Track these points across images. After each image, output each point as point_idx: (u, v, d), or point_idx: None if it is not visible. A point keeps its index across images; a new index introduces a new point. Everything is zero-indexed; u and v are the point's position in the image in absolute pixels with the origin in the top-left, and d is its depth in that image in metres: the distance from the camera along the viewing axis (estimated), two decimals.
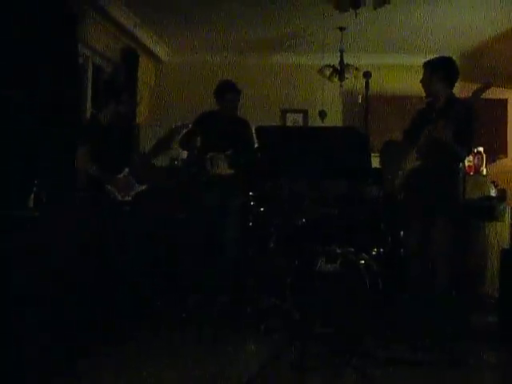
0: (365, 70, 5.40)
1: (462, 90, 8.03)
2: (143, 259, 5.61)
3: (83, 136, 5.69)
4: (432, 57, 5.42)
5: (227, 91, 6.51)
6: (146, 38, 9.05)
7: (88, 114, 7.71)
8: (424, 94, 5.45)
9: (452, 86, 5.36)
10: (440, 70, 5.28)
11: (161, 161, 7.42)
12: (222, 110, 6.57)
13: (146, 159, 6.28)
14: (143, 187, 5.73)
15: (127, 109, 5.89)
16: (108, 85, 6.80)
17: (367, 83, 5.29)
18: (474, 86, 9.17)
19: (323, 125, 8.92)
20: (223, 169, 6.36)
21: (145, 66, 9.47)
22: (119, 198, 5.55)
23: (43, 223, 4.45)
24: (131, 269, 5.44)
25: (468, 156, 6.13)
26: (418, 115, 5.54)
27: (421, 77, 5.40)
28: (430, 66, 5.35)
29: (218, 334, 5.05)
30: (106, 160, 5.52)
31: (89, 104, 7.84)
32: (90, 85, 7.94)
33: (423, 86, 5.40)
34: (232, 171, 6.32)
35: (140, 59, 8.98)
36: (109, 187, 5.50)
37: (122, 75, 8.30)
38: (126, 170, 5.67)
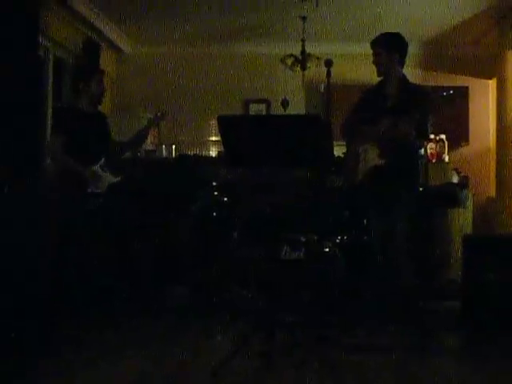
0: (326, 58, 5.38)
1: (424, 78, 8.12)
2: (112, 250, 5.57)
3: (58, 125, 5.66)
4: None
5: None
6: (107, 29, 8.97)
7: (49, 107, 7.66)
8: None
9: (404, 63, 5.33)
10: (393, 49, 5.22)
11: None
12: None
13: (124, 149, 6.25)
14: (117, 179, 5.70)
15: (99, 90, 5.84)
16: (76, 70, 6.74)
17: (328, 72, 5.27)
18: (437, 75, 9.31)
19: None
20: None
21: (107, 58, 9.39)
22: (91, 189, 5.52)
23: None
24: (97, 261, 5.41)
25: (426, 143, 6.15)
26: (368, 95, 5.51)
27: None
28: (381, 44, 5.26)
29: (184, 323, 5.06)
30: (82, 149, 5.51)
31: (50, 96, 7.79)
32: (51, 77, 7.87)
33: (376, 65, 5.31)
34: None
35: (102, 50, 8.92)
36: (82, 178, 5.47)
37: (86, 63, 8.25)
38: (103, 160, 5.64)
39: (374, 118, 5.09)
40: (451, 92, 5.48)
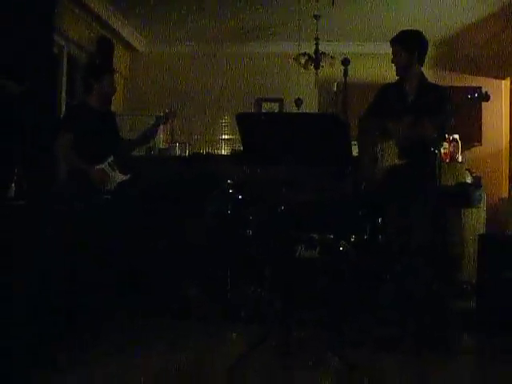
0: (343, 57, 5.35)
1: (438, 78, 8.09)
2: (123, 249, 5.57)
3: (68, 123, 5.66)
4: None
5: None
6: (121, 27, 9.00)
7: (63, 104, 7.68)
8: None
9: (423, 62, 5.22)
10: (413, 48, 5.10)
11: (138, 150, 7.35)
12: None
13: (133, 147, 6.24)
14: (126, 177, 5.71)
15: (110, 89, 5.86)
16: (88, 68, 6.76)
17: (346, 70, 5.25)
18: (449, 75, 9.27)
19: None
20: None
21: (120, 56, 9.42)
22: (98, 187, 5.52)
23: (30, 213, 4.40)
24: (112, 260, 5.41)
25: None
26: (386, 92, 5.39)
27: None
28: (401, 42, 5.14)
29: (200, 322, 5.07)
30: (92, 147, 5.51)
31: (64, 93, 7.82)
32: (64, 74, 7.90)
33: (395, 64, 5.18)
34: None
35: (115, 49, 8.93)
36: (88, 176, 5.48)
37: (98, 61, 8.26)
38: (111, 157, 5.65)
39: (394, 115, 5.06)
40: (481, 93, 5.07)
